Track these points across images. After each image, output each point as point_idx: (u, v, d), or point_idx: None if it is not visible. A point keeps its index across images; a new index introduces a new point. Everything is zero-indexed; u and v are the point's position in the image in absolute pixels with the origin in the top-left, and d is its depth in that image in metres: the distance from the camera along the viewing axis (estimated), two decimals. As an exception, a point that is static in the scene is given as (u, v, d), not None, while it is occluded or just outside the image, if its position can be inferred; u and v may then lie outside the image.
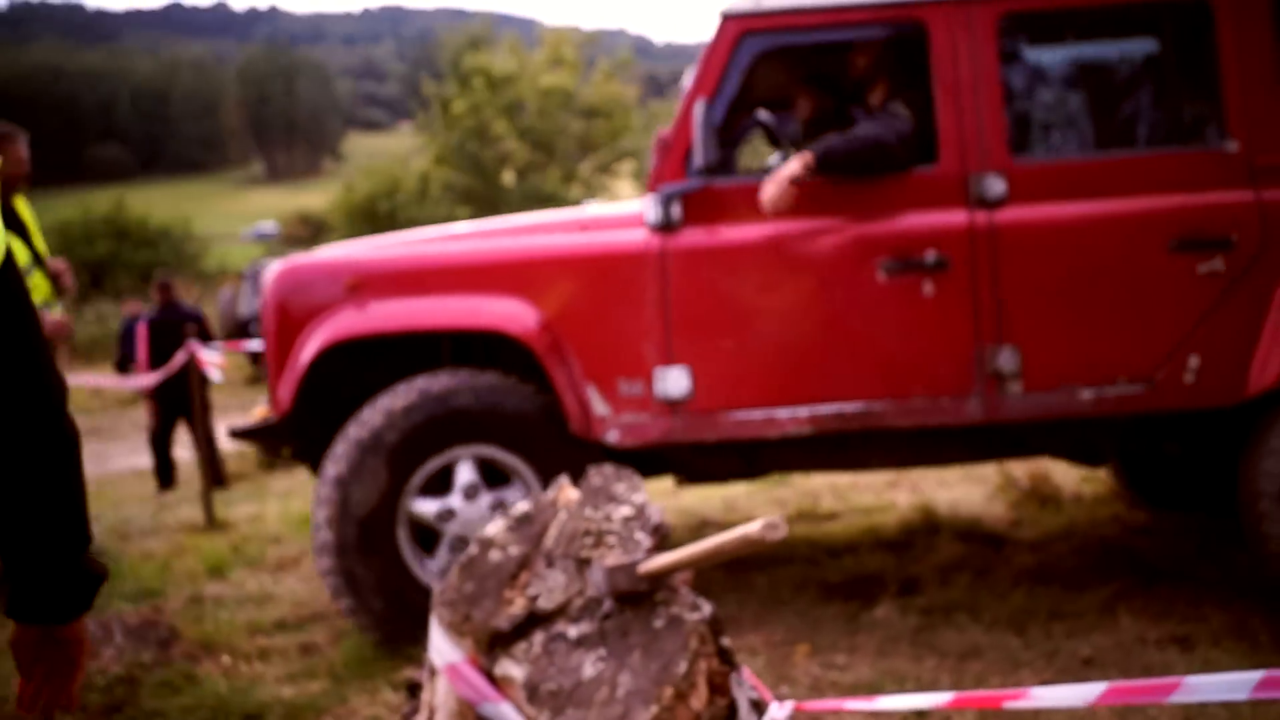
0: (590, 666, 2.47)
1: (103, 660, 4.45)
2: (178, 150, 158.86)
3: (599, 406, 4.62)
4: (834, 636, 4.64)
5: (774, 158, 5.36)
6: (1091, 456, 5.28)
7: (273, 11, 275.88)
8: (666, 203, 4.61)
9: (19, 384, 1.68)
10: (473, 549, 2.87)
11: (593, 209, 5.14)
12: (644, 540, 2.72)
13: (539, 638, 2.61)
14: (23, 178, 6.08)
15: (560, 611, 2.64)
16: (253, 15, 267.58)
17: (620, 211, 4.95)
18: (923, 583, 5.25)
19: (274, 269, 4.93)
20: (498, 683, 2.62)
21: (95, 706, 4.18)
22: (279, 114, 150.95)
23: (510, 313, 4.60)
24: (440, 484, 4.73)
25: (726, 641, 2.51)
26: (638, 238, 4.66)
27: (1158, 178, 4.60)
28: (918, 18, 4.66)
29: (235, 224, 78.62)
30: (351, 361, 4.88)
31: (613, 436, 4.62)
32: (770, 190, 4.42)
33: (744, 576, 5.54)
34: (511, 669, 2.59)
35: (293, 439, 4.96)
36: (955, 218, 4.59)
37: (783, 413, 4.60)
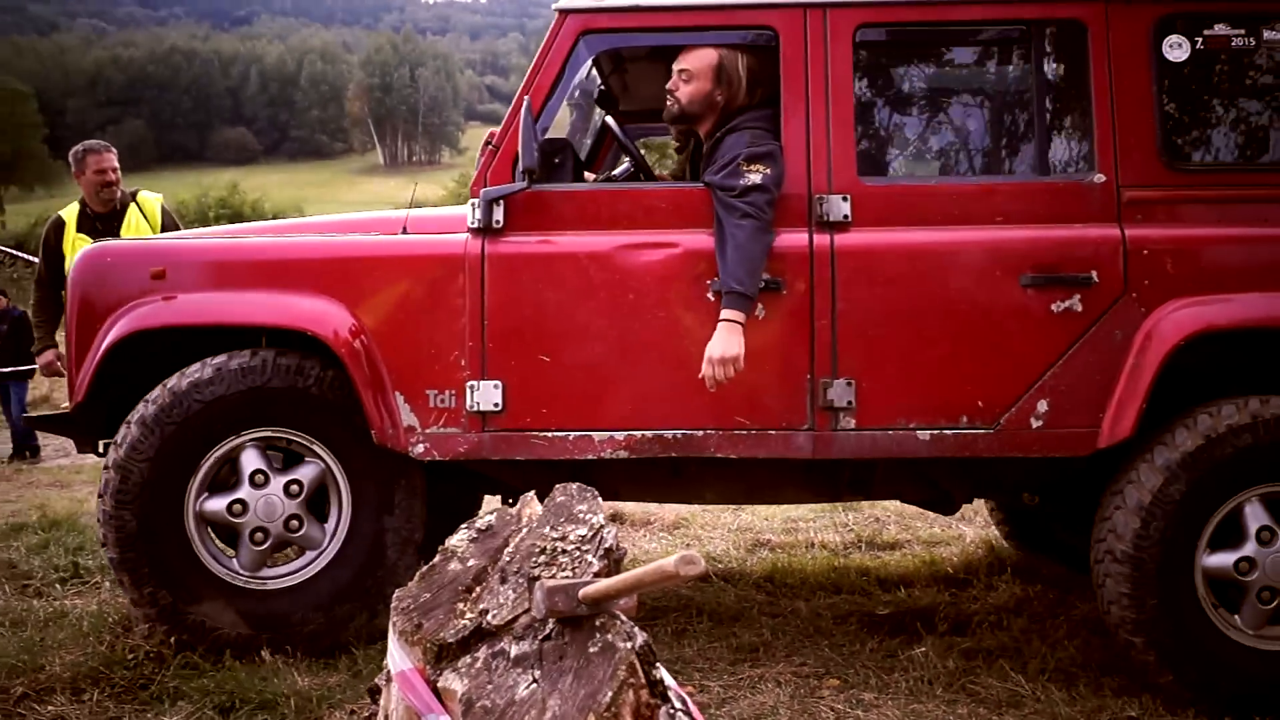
0: (524, 687, 2.47)
1: (134, 639, 4.49)
2: (301, 136, 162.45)
3: (406, 417, 4.40)
4: (867, 673, 4.44)
5: (621, 168, 5.12)
6: (940, 503, 4.97)
7: (402, 0, 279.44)
8: (488, 206, 4.40)
9: None
10: (436, 558, 2.88)
11: (419, 210, 4.91)
12: (594, 563, 2.67)
13: (483, 653, 2.61)
14: (111, 185, 6.69)
15: (506, 628, 2.63)
16: (382, 4, 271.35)
17: (445, 214, 4.73)
18: (973, 623, 5.01)
19: (80, 254, 4.74)
20: (441, 694, 2.60)
21: (122, 682, 4.23)
22: (401, 104, 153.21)
23: (317, 313, 4.39)
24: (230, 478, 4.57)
25: (661, 673, 2.48)
26: (456, 241, 4.44)
27: (1015, 207, 4.32)
28: (768, 24, 4.40)
29: (348, 211, 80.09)
30: (168, 349, 4.69)
31: (419, 449, 4.40)
32: (720, 371, 4.10)
33: (785, 603, 5.39)
34: (454, 682, 2.58)
35: (87, 429, 4.78)
36: (794, 239, 4.32)
37: (598, 435, 4.36)
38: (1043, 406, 4.26)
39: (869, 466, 4.63)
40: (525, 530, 2.87)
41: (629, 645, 2.44)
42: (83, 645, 4.57)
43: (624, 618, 2.56)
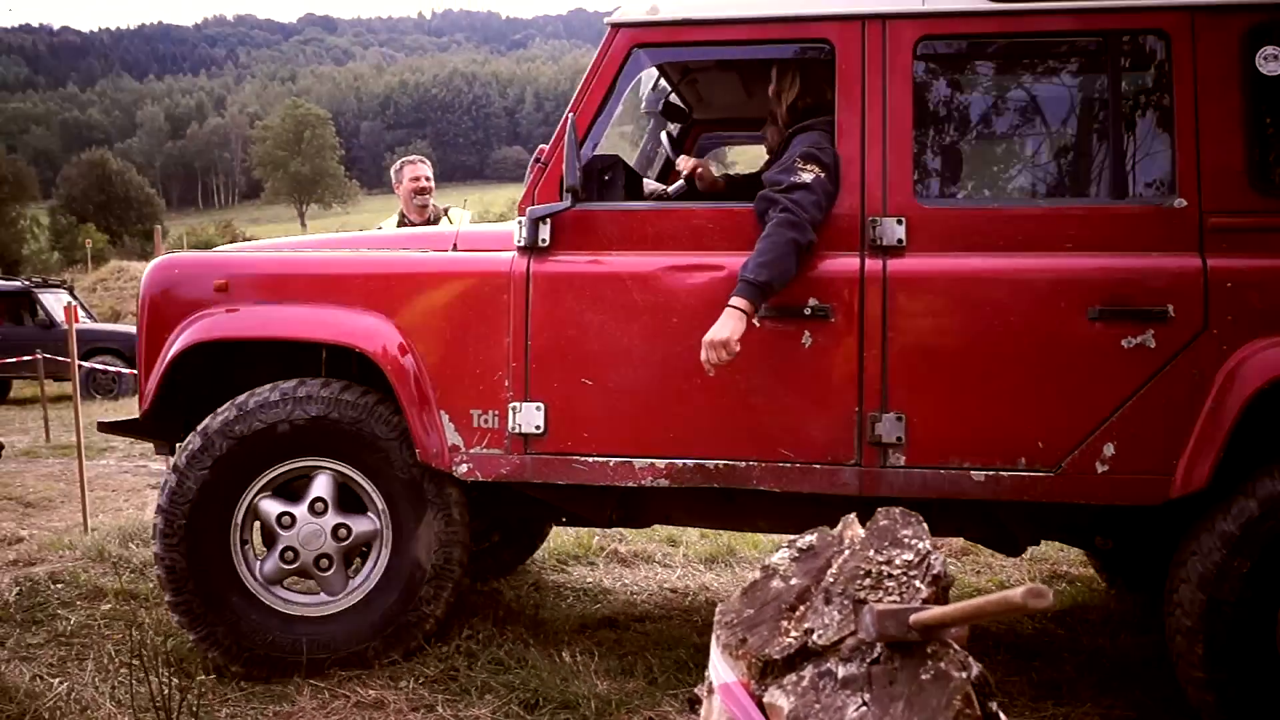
0: (853, 710, 2.45)
1: (447, 632, 4.72)
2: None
3: (451, 436, 4.38)
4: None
5: (675, 185, 4.96)
6: (1005, 544, 4.67)
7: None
8: (533, 224, 4.33)
9: None
10: (756, 574, 2.88)
11: (472, 227, 4.88)
12: (922, 589, 2.62)
13: (809, 672, 2.60)
14: (425, 192, 7.26)
15: (832, 649, 2.60)
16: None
17: (496, 231, 4.66)
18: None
19: (151, 265, 4.86)
20: (766, 709, 2.62)
21: (434, 674, 4.44)
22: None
23: (366, 329, 4.41)
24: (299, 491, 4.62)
25: (995, 706, 2.45)
26: (503, 259, 4.38)
27: (1085, 234, 4.02)
28: (823, 36, 4.21)
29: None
30: (242, 357, 4.80)
31: (462, 469, 4.38)
32: (713, 355, 3.95)
33: (1088, 640, 5.23)
34: (779, 698, 2.59)
35: (157, 434, 4.90)
36: (844, 264, 4.12)
37: (639, 462, 4.25)
38: (1109, 450, 3.96)
39: (924, 502, 4.40)
40: (848, 552, 2.80)
41: (964, 675, 2.37)
42: None
43: (956, 646, 2.48)
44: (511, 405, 4.32)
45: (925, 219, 4.10)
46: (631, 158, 5.42)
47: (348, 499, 4.57)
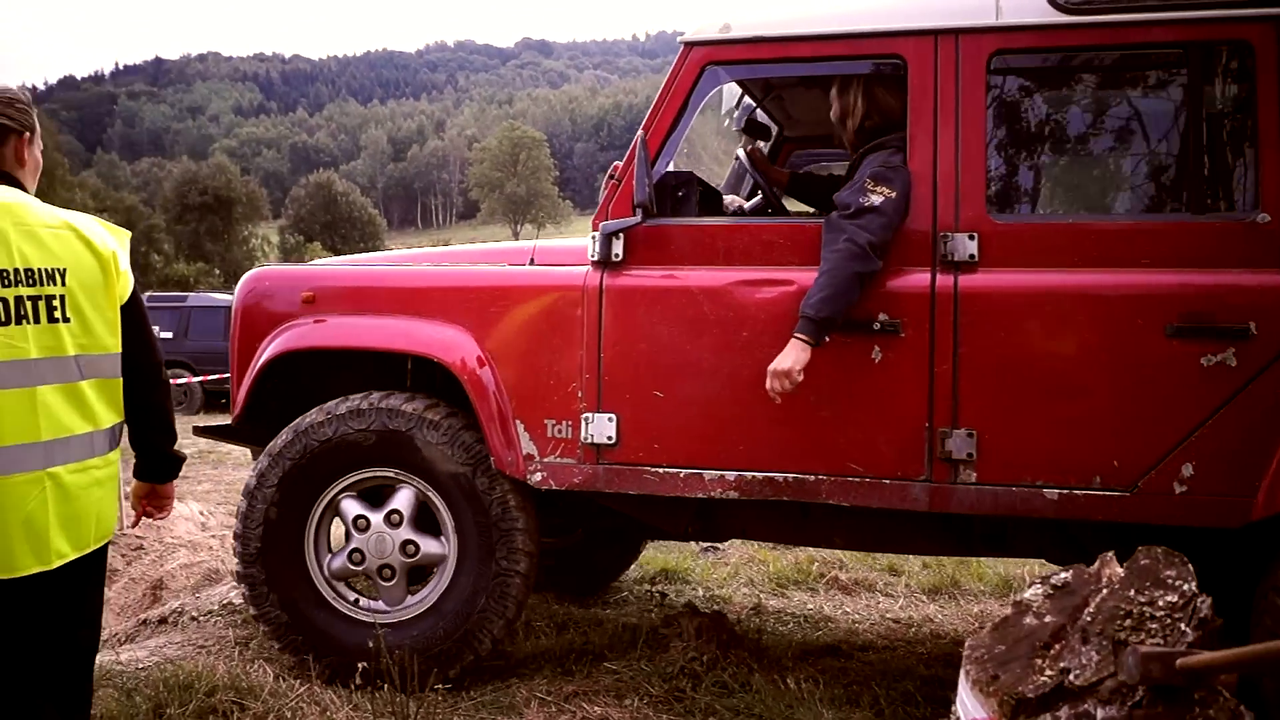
0: None
1: (671, 653, 4.79)
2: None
3: (526, 445, 4.45)
4: None
5: (753, 201, 4.94)
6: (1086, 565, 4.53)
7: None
8: (606, 239, 4.39)
9: (150, 358, 3.21)
10: (1007, 610, 2.93)
11: (548, 241, 4.95)
12: (1188, 633, 2.65)
13: (1064, 713, 2.62)
14: None
15: (1090, 690, 2.62)
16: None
17: (572, 245, 4.72)
18: None
19: (244, 277, 5.07)
20: None
21: (658, 693, 4.53)
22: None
23: (445, 340, 4.52)
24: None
25: None
26: (577, 273, 4.45)
27: (1163, 250, 3.90)
28: (896, 52, 4.17)
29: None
30: (336, 365, 4.95)
31: (536, 478, 4.45)
32: (776, 384, 3.97)
33: None
34: None
35: (250, 438, 5.09)
36: (915, 279, 4.08)
37: (708, 474, 4.27)
38: (1187, 470, 3.84)
39: (1000, 521, 4.32)
40: (1106, 590, 2.80)
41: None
42: (626, 655, 4.95)
43: (1227, 693, 2.46)
44: (584, 416, 4.38)
45: (998, 234, 4.03)
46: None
47: (425, 519, 4.68)
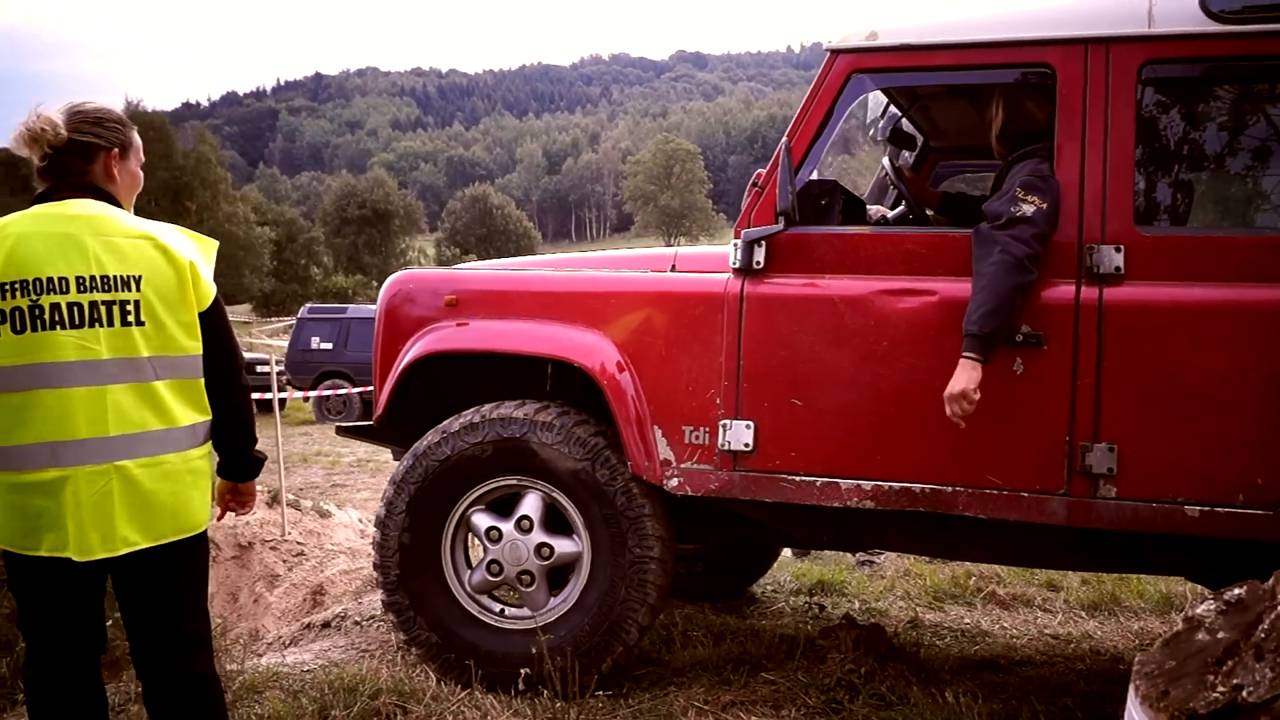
0: None
1: (828, 664, 4.80)
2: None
3: (664, 450, 4.49)
4: None
5: (896, 210, 4.92)
6: (1226, 583, 4.42)
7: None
8: (748, 247, 4.41)
9: (229, 363, 3.35)
10: (1178, 625, 2.90)
11: (690, 249, 4.98)
12: None
13: None
14: None
15: (1263, 708, 2.56)
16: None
17: (714, 253, 4.76)
18: None
19: (389, 280, 5.16)
20: None
21: (815, 704, 4.56)
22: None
23: (585, 345, 4.57)
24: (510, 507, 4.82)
25: None
26: (718, 280, 4.48)
27: None
28: (1045, 61, 4.14)
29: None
30: (479, 369, 5.03)
31: (673, 483, 4.48)
32: (955, 408, 3.94)
33: None
34: None
35: (392, 438, 5.19)
36: (1060, 291, 4.04)
37: (845, 483, 4.27)
38: None
39: (1140, 538, 4.25)
40: None
41: None
42: (783, 666, 4.97)
43: None
44: (722, 423, 4.41)
45: (1144, 247, 3.98)
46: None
47: (556, 520, 4.74)
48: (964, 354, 3.94)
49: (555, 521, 4.73)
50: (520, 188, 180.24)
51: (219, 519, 3.64)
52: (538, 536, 4.68)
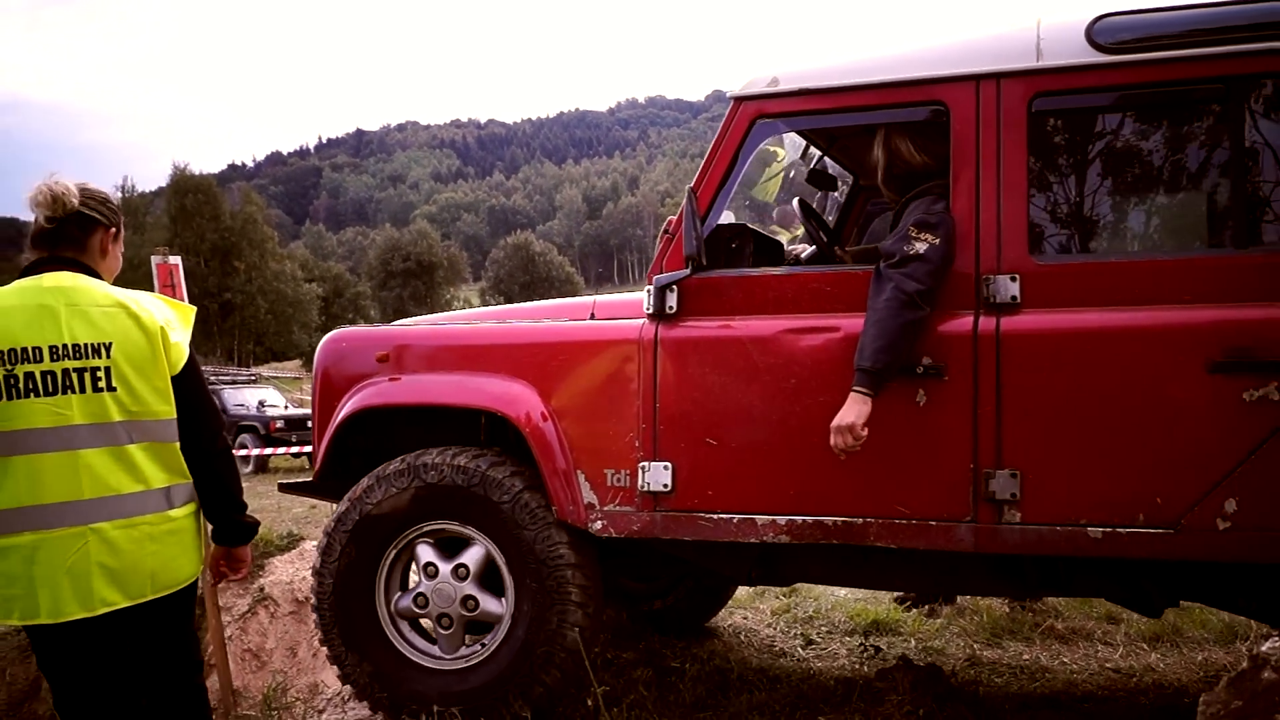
0: None
1: (886, 707, 4.77)
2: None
3: (587, 494, 4.58)
4: None
5: (797, 246, 5.00)
6: (1142, 605, 4.47)
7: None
8: (660, 292, 4.50)
9: (204, 427, 3.48)
10: (1243, 663, 2.98)
11: (609, 296, 5.08)
12: None
13: None
14: None
15: None
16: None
17: (630, 299, 4.84)
18: None
19: (324, 339, 5.30)
20: None
21: None
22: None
23: (509, 395, 4.68)
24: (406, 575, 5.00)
25: None
26: (633, 326, 4.58)
27: (1204, 286, 3.89)
28: (938, 98, 4.23)
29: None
30: (414, 422, 5.14)
31: (597, 525, 4.57)
32: (839, 440, 4.01)
33: None
34: None
35: (334, 494, 5.30)
36: (958, 322, 4.12)
37: (760, 518, 4.34)
38: (1230, 506, 3.80)
39: (1052, 562, 4.30)
40: None
41: None
42: (840, 709, 4.97)
43: None
44: (641, 464, 4.50)
45: (1039, 275, 4.05)
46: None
47: (492, 577, 4.83)
48: (854, 388, 4.01)
49: (492, 579, 4.82)
50: (561, 234, 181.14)
51: (214, 584, 3.87)
52: (469, 588, 4.77)
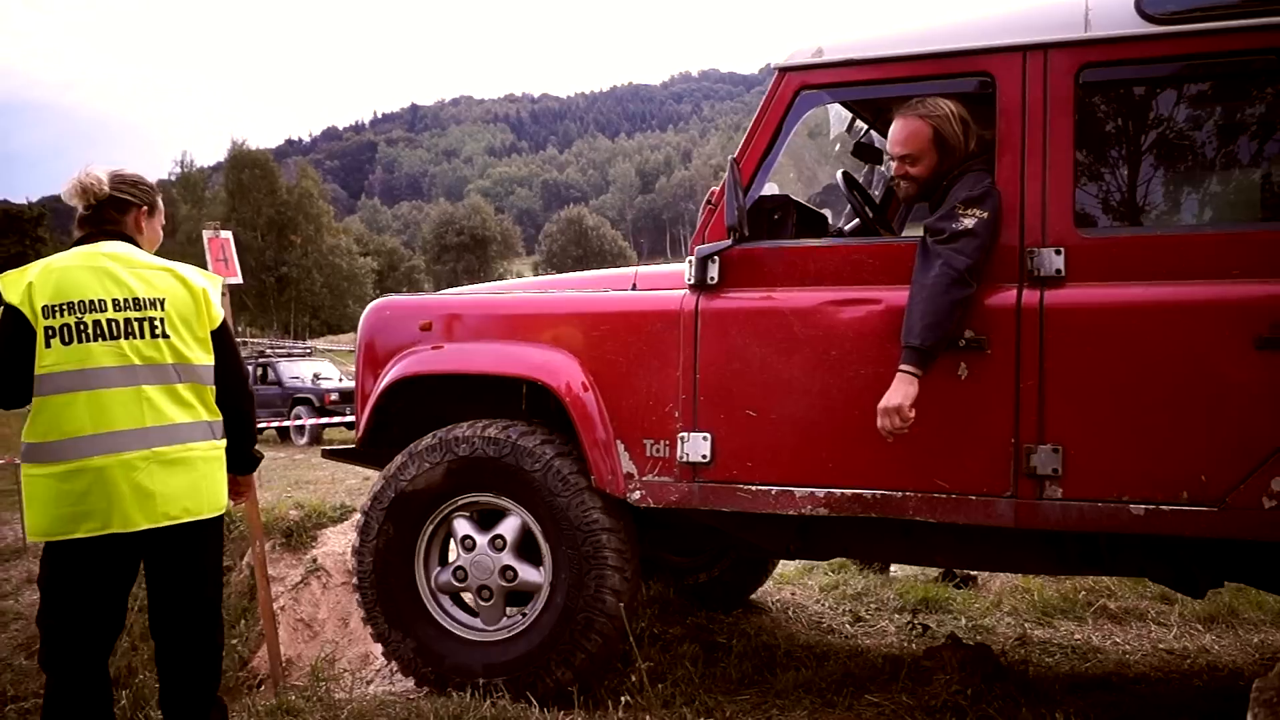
0: None
1: (934, 686, 4.70)
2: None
3: (626, 464, 4.58)
4: None
5: (852, 223, 4.97)
6: (1185, 585, 4.41)
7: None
8: (702, 263, 4.50)
9: (235, 374, 4.02)
10: None
11: (651, 267, 5.07)
12: None
13: None
14: None
15: None
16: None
17: (673, 270, 4.83)
18: None
19: (368, 307, 5.32)
20: None
21: None
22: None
23: (551, 364, 4.68)
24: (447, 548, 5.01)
25: None
26: (674, 297, 4.57)
27: (1254, 260, 3.82)
28: (986, 70, 4.19)
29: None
30: (458, 391, 5.14)
31: (635, 495, 4.57)
32: (887, 422, 3.98)
33: None
34: None
35: (376, 461, 5.32)
36: (1001, 296, 4.08)
37: (799, 491, 4.32)
38: (1277, 485, 3.74)
39: (1093, 540, 4.26)
40: None
41: None
42: (888, 688, 4.92)
43: None
44: (680, 435, 4.49)
45: (1084, 249, 4.01)
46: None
47: (531, 547, 4.83)
48: (901, 367, 3.98)
49: (530, 548, 4.82)
50: (614, 208, 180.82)
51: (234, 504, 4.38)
52: (506, 558, 4.79)
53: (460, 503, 4.89)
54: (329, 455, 5.53)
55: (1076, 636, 6.01)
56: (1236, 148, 4.21)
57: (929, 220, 4.16)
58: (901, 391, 3.96)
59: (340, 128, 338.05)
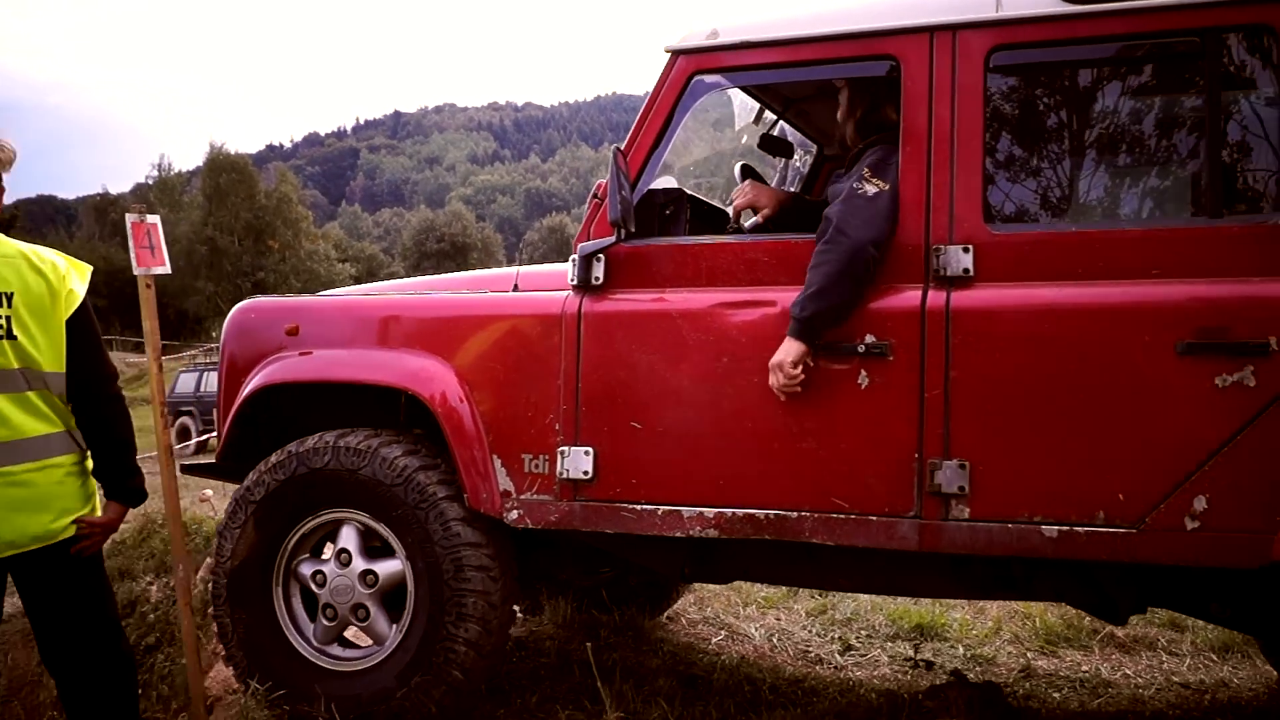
0: None
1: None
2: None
3: (503, 481, 4.19)
4: None
5: (753, 219, 4.63)
6: (1105, 610, 4.06)
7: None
8: (585, 262, 4.14)
9: (93, 370, 3.48)
10: None
11: (535, 267, 4.69)
12: None
13: None
14: None
15: None
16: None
17: (556, 270, 4.47)
18: None
19: (232, 310, 4.89)
20: None
21: None
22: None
23: (423, 372, 4.28)
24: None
25: None
26: (556, 299, 4.20)
27: (1174, 259, 3.51)
28: (890, 52, 3.84)
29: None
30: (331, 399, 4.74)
31: (512, 515, 4.18)
32: (773, 379, 3.75)
33: None
34: None
35: (238, 476, 4.91)
36: (904, 296, 3.74)
37: (687, 511, 3.95)
38: (1200, 504, 3.42)
39: (1006, 563, 3.91)
40: None
41: None
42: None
43: None
44: (560, 449, 4.12)
45: (994, 246, 3.67)
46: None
47: (376, 547, 4.43)
48: (789, 334, 3.70)
49: (376, 548, 4.42)
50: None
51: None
52: (359, 565, 4.35)
53: (303, 531, 4.48)
54: (187, 471, 5.08)
55: (1084, 668, 5.62)
56: (1160, 138, 3.87)
57: (832, 186, 3.90)
58: (785, 349, 3.69)
59: (322, 134, 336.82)
